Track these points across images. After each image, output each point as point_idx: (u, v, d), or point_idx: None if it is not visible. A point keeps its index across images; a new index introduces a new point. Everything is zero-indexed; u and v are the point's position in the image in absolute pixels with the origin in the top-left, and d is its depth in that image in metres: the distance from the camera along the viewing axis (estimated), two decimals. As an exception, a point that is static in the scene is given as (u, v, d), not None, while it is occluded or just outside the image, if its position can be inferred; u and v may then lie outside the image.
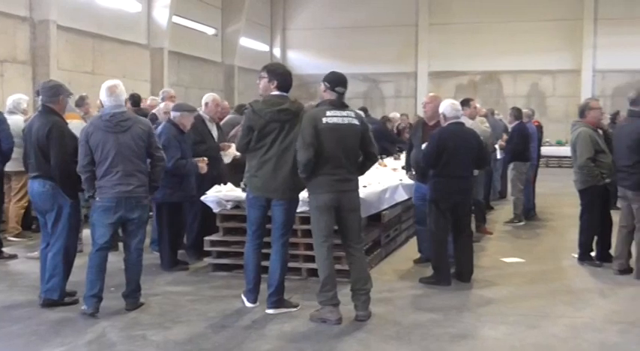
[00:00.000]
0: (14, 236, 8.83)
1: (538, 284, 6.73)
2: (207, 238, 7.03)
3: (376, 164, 6.54)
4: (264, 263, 5.72)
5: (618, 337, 5.06)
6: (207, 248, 7.02)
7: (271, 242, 5.69)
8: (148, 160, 5.69)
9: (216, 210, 6.99)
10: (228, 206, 6.95)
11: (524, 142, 10.54)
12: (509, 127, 11.23)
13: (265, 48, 27.09)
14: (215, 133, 7.96)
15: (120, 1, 17.33)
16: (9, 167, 8.09)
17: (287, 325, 5.27)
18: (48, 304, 5.65)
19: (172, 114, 7.23)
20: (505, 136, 11.53)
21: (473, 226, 7.60)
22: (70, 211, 5.70)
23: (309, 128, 5.24)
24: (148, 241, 7.51)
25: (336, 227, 5.49)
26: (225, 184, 7.26)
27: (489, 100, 22.56)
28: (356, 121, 5.39)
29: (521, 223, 10.41)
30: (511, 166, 10.72)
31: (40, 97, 5.90)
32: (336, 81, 5.46)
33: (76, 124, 6.91)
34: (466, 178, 6.73)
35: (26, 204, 8.85)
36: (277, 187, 5.45)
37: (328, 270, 5.33)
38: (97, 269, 5.45)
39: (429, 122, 7.35)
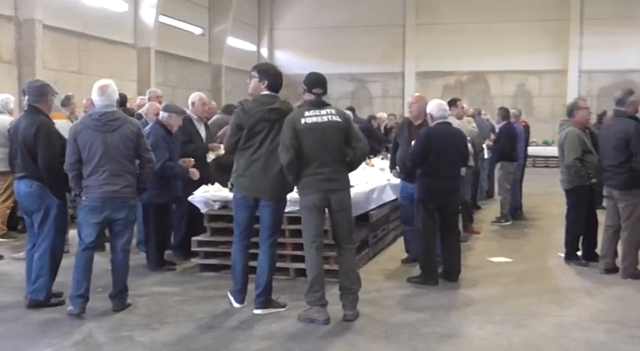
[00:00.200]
0: (0, 237, 8.77)
1: (525, 283, 6.76)
2: (194, 238, 7.01)
3: (363, 164, 6.53)
4: (252, 263, 5.70)
5: (605, 335, 5.09)
6: (194, 248, 7.00)
7: (259, 243, 5.67)
8: (137, 161, 5.66)
9: (203, 210, 6.98)
10: (216, 206, 6.93)
11: (511, 142, 10.60)
12: (497, 127, 11.27)
13: (253, 48, 27.05)
14: (203, 132, 7.93)
15: (106, 1, 17.25)
16: (-5, 167, 8.03)
17: (275, 325, 5.26)
18: (34, 305, 5.61)
19: (161, 114, 7.20)
20: (493, 136, 11.57)
21: (460, 225, 7.62)
22: (57, 212, 5.66)
23: (288, 130, 5.25)
24: (135, 241, 7.51)
25: (327, 228, 5.48)
26: (212, 184, 7.24)
27: (476, 100, 22.66)
28: (337, 118, 5.37)
29: (508, 223, 10.46)
30: (498, 165, 10.77)
31: (27, 96, 5.86)
32: (313, 83, 5.45)
33: (61, 124, 6.87)
34: (453, 178, 6.75)
35: (12, 204, 8.79)
36: (266, 187, 5.43)
37: (317, 270, 5.33)
38: (83, 269, 5.41)
39: (414, 122, 7.37)
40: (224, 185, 6.79)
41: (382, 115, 15.38)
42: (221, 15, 23.41)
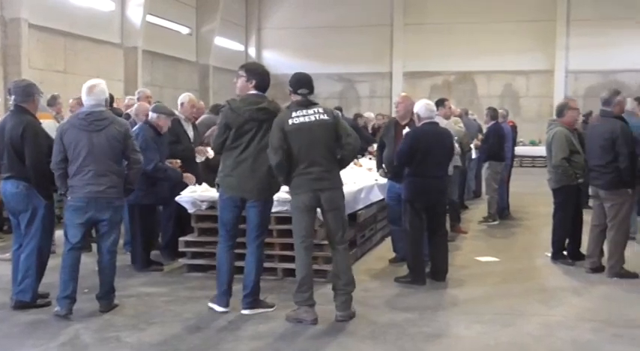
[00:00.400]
0: (-15, 238, 8.71)
1: (512, 283, 6.79)
2: (181, 238, 6.99)
3: (351, 163, 6.52)
4: (239, 264, 5.68)
5: (591, 334, 5.11)
6: (181, 249, 6.98)
7: (246, 243, 5.65)
8: (126, 162, 5.63)
9: (191, 210, 6.95)
10: (203, 206, 6.91)
11: (499, 141, 10.65)
12: (485, 127, 11.31)
13: (240, 47, 27.01)
14: (191, 133, 7.91)
15: (93, 0, 17.16)
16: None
17: (263, 325, 5.25)
18: (20, 306, 5.57)
19: (150, 115, 7.17)
20: (480, 136, 11.61)
21: (448, 225, 7.64)
22: (44, 212, 5.62)
23: (276, 132, 5.24)
24: (121, 241, 7.47)
25: (316, 228, 5.48)
26: (200, 184, 7.22)
27: (463, 100, 22.74)
28: (325, 116, 5.35)
29: (496, 222, 10.50)
30: (486, 165, 10.81)
31: (13, 96, 5.82)
32: (298, 83, 5.45)
33: (48, 124, 6.81)
34: (441, 178, 6.77)
35: (-2, 205, 8.72)
36: (253, 187, 5.41)
37: (305, 270, 5.32)
38: (70, 269, 5.38)
39: (401, 122, 7.40)
40: (212, 185, 6.77)
41: (369, 114, 15.39)
42: (209, 14, 23.37)
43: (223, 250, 5.57)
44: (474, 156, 11.80)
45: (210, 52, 23.48)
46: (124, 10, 18.77)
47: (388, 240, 8.17)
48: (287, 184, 5.39)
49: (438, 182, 6.71)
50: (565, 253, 7.59)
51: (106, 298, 5.59)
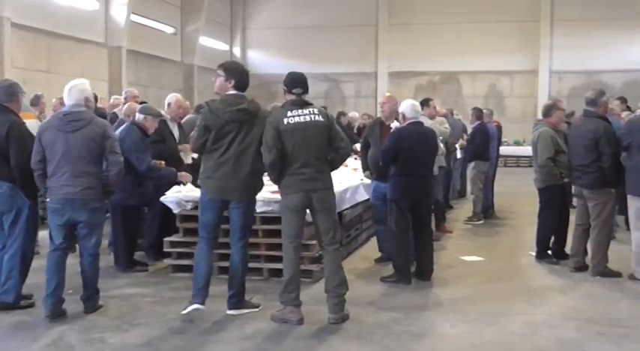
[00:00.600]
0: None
1: (497, 282, 6.82)
2: (166, 238, 6.96)
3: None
4: (223, 264, 5.66)
5: (575, 333, 5.15)
6: (166, 249, 6.94)
7: (231, 244, 5.61)
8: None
9: (176, 210, 6.92)
10: (188, 207, 6.88)
11: (485, 141, 10.70)
12: (470, 127, 11.35)
13: (225, 47, 26.95)
14: (176, 133, 7.88)
15: (76, -1, 17.08)
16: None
17: (248, 326, 5.23)
18: (3, 307, 5.50)
19: (137, 116, 7.13)
20: (466, 136, 11.65)
21: (433, 224, 7.65)
22: (29, 213, 5.57)
23: (270, 131, 5.22)
24: (106, 242, 7.43)
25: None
26: (185, 184, 7.19)
27: (448, 100, 22.83)
28: (320, 118, 5.35)
29: (480, 222, 10.54)
30: (472, 165, 10.85)
31: None
32: (293, 83, 5.42)
33: (31, 124, 6.73)
34: (426, 177, 6.79)
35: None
36: (235, 189, 5.34)
37: (293, 271, 5.31)
38: (54, 271, 5.33)
39: (386, 122, 7.42)
40: (198, 186, 6.74)
41: (354, 114, 15.40)
42: (193, 14, 23.31)
43: (202, 250, 5.45)
44: (458, 156, 11.85)
45: (195, 51, 23.42)
46: (108, 10, 18.68)
47: (374, 240, 8.18)
48: (278, 183, 5.36)
49: (423, 182, 6.73)
50: (549, 252, 7.64)
51: (91, 300, 5.55)
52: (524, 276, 7.11)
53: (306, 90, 5.43)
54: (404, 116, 6.76)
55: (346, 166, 9.85)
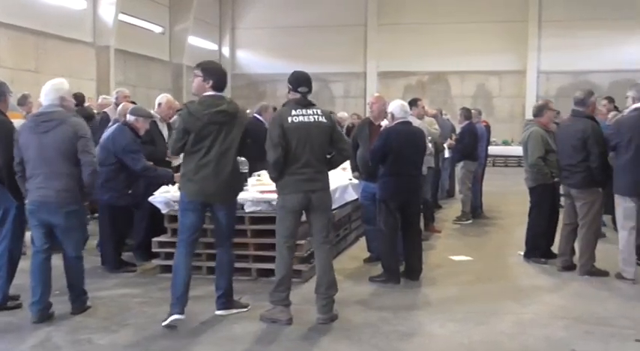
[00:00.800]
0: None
1: (485, 281, 6.84)
2: (155, 239, 6.93)
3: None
4: (210, 264, 5.64)
5: (563, 331, 5.17)
6: (155, 249, 6.91)
7: (215, 246, 5.58)
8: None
9: (164, 211, 6.89)
10: (177, 207, 6.84)
11: (474, 141, 10.73)
12: (459, 126, 11.39)
13: (214, 47, 26.90)
14: (166, 133, 7.85)
15: (64, -2, 16.99)
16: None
17: (237, 326, 5.22)
18: (-10, 308, 5.48)
19: (128, 117, 7.10)
20: (454, 136, 11.69)
21: (422, 224, 7.67)
22: (16, 213, 5.51)
23: (276, 128, 5.19)
24: (94, 242, 7.40)
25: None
26: (173, 184, 7.16)
27: (437, 100, 22.87)
28: (323, 119, 5.35)
29: (469, 222, 10.57)
30: (461, 164, 10.88)
31: None
32: (298, 81, 5.41)
33: (18, 123, 6.70)
34: (415, 177, 6.80)
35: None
36: (216, 191, 5.24)
37: (285, 271, 5.30)
38: (38, 274, 5.27)
39: (374, 122, 7.43)
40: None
41: (343, 114, 15.39)
42: (182, 13, 23.25)
43: (182, 254, 5.30)
44: (447, 155, 11.88)
45: (184, 51, 23.36)
46: (96, 9, 18.60)
47: (362, 240, 8.18)
48: (277, 181, 5.32)
49: (412, 182, 6.74)
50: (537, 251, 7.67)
51: (77, 301, 5.51)
52: (513, 275, 7.13)
53: (310, 89, 5.43)
54: (393, 116, 6.77)
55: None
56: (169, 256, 6.82)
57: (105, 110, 9.32)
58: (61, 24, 16.92)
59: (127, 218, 7.21)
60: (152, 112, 7.72)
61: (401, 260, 6.78)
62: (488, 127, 12.65)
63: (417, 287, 6.54)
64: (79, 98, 10.25)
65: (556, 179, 7.34)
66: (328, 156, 5.47)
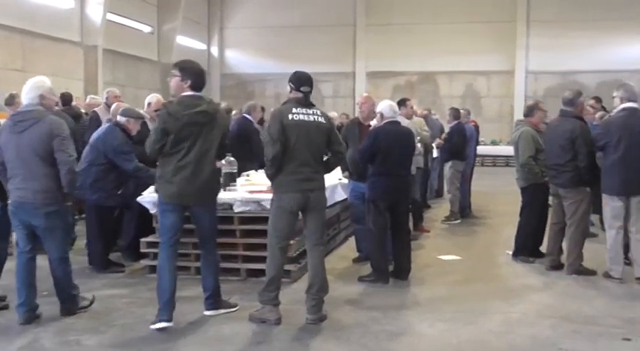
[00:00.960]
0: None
1: (474, 281, 6.86)
2: (143, 239, 6.90)
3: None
4: (197, 264, 5.61)
5: (550, 330, 5.19)
6: (143, 250, 6.89)
7: (199, 247, 5.53)
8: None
9: (152, 211, 6.86)
10: (166, 207, 6.82)
11: (462, 141, 10.77)
12: (448, 126, 11.42)
13: (203, 46, 26.84)
14: (154, 132, 7.83)
15: (52, -3, 16.90)
16: None
17: (226, 326, 5.21)
18: (-23, 309, 5.44)
19: (119, 118, 7.07)
20: (444, 136, 11.72)
21: (410, 224, 7.69)
22: (1, 214, 5.48)
23: (276, 124, 5.17)
24: (83, 242, 7.37)
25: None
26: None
27: (426, 100, 22.91)
28: (322, 120, 5.35)
29: (458, 221, 10.60)
30: (449, 164, 10.90)
31: None
32: (301, 81, 5.41)
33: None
34: (404, 177, 6.81)
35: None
36: (195, 193, 5.15)
37: (276, 271, 5.29)
38: (22, 275, 5.21)
39: (364, 122, 7.45)
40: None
41: (333, 114, 15.40)
42: (170, 13, 23.17)
43: (165, 257, 5.22)
44: (435, 155, 11.91)
45: (172, 51, 23.26)
46: (84, 8, 18.51)
47: (351, 239, 8.18)
48: (273, 179, 5.28)
49: (401, 181, 6.75)
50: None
51: (66, 303, 5.43)
52: (501, 275, 7.16)
53: (312, 89, 5.43)
54: (382, 116, 6.78)
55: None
56: (158, 256, 6.80)
57: (95, 110, 9.27)
58: (49, 23, 16.83)
59: (115, 218, 7.18)
60: (142, 111, 7.70)
61: (390, 260, 6.79)
62: (477, 127, 12.70)
63: (406, 287, 6.56)
64: (67, 98, 10.21)
65: (546, 178, 7.37)
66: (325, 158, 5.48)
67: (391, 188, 6.65)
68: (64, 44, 17.67)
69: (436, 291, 6.41)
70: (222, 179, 7.07)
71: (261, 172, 8.05)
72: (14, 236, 6.21)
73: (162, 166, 5.20)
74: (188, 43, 25.05)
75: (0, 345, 4.79)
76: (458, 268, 7.48)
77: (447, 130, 11.61)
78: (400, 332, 5.16)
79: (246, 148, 8.99)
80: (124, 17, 20.74)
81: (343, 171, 7.69)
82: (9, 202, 5.26)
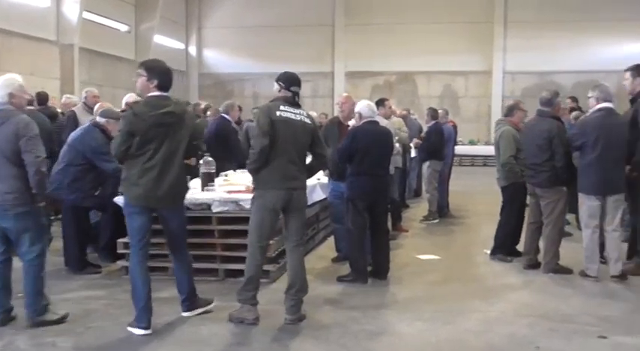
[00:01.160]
0: None
1: (452, 280, 6.89)
2: (120, 240, 6.83)
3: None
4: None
5: (528, 329, 5.23)
6: (120, 251, 6.82)
7: (170, 251, 5.44)
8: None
9: (129, 211, 6.81)
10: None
11: (440, 140, 10.82)
12: (426, 126, 11.47)
13: (181, 46, 26.71)
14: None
15: (27, -4, 16.71)
16: None
17: (204, 327, 5.18)
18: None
19: (98, 119, 7.00)
20: (422, 135, 11.77)
21: (389, 224, 7.70)
22: None
23: (264, 117, 5.15)
24: (60, 243, 7.29)
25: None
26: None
27: (404, 100, 23.01)
28: (308, 120, 5.36)
29: (436, 221, 10.64)
30: (427, 164, 10.95)
31: None
32: (291, 80, 5.42)
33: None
34: (382, 177, 6.83)
35: None
36: (163, 196, 5.04)
37: (255, 270, 5.26)
38: None
39: (344, 122, 7.45)
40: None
41: (312, 114, 15.40)
42: (148, 12, 23.03)
43: (136, 262, 5.10)
44: (413, 155, 11.96)
45: (150, 50, 23.10)
46: (60, 7, 18.33)
47: (330, 239, 8.19)
48: (256, 174, 5.22)
49: (379, 181, 6.76)
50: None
51: (30, 311, 5.17)
52: (479, 274, 7.20)
53: (300, 91, 5.46)
54: (360, 115, 6.79)
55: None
56: (129, 260, 6.74)
57: (73, 109, 9.17)
58: (25, 22, 16.64)
59: (89, 217, 7.12)
60: (119, 111, 7.63)
61: (369, 260, 6.80)
62: (455, 127, 12.76)
63: (384, 286, 6.57)
64: (43, 97, 10.10)
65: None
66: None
67: (370, 188, 6.66)
68: (40, 43, 17.49)
69: (415, 290, 6.43)
70: (200, 179, 7.08)
71: (240, 172, 8.08)
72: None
73: (128, 169, 5.04)
74: (166, 42, 24.91)
75: (-26, 348, 4.72)
76: (436, 267, 7.51)
77: (425, 130, 11.67)
78: (379, 332, 5.17)
79: (224, 147, 8.96)
80: (101, 16, 20.58)
81: (324, 170, 7.68)
82: None
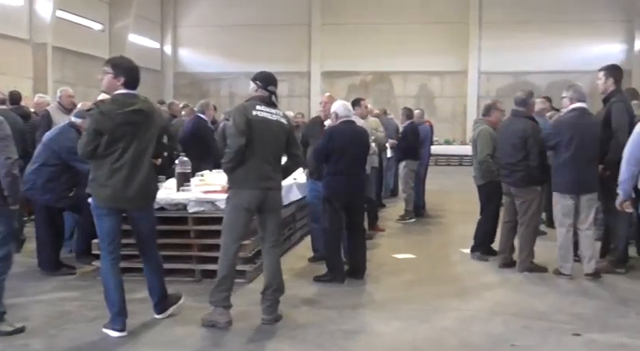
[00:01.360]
0: None
1: (429, 279, 6.92)
2: (95, 241, 6.76)
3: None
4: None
5: (503, 327, 5.27)
6: (95, 252, 6.75)
7: (140, 253, 5.35)
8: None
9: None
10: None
11: (415, 140, 10.87)
12: (401, 126, 11.51)
13: (156, 45, 26.54)
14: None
15: (-1, -7, 16.50)
16: None
17: (179, 328, 5.14)
18: None
19: (74, 119, 6.91)
20: (398, 135, 11.81)
21: (365, 223, 7.71)
22: None
23: (240, 117, 5.11)
24: (33, 244, 7.19)
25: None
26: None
27: (380, 100, 23.09)
28: (284, 120, 5.34)
29: (412, 220, 10.68)
30: (403, 163, 10.98)
31: None
32: (267, 80, 5.40)
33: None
34: (359, 176, 6.83)
35: None
36: (132, 196, 4.93)
37: (228, 270, 5.22)
38: None
39: (326, 121, 7.46)
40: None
41: (289, 113, 15.37)
42: (122, 11, 22.85)
43: (108, 265, 4.99)
44: (389, 155, 11.99)
45: (124, 49, 22.87)
46: (33, 5, 18.12)
47: (307, 239, 8.18)
48: (231, 173, 5.19)
49: (356, 181, 6.76)
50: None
51: None
52: (455, 273, 7.24)
53: (276, 89, 5.45)
54: (337, 115, 6.79)
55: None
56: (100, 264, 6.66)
57: (47, 109, 9.05)
58: (-4, 20, 16.43)
59: (63, 218, 7.04)
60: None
61: (345, 259, 6.80)
62: (431, 127, 12.83)
63: (361, 286, 6.57)
64: (15, 96, 9.95)
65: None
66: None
67: (346, 187, 6.66)
68: (12, 41, 17.27)
69: (391, 290, 6.44)
70: (176, 179, 7.03)
71: (216, 172, 8.04)
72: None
73: (96, 169, 4.92)
74: (141, 41, 24.74)
75: (-56, 351, 4.64)
76: (413, 266, 7.53)
77: (401, 129, 11.70)
78: (356, 331, 5.17)
79: (200, 147, 8.91)
80: (75, 14, 20.37)
81: (304, 169, 7.67)
82: None
